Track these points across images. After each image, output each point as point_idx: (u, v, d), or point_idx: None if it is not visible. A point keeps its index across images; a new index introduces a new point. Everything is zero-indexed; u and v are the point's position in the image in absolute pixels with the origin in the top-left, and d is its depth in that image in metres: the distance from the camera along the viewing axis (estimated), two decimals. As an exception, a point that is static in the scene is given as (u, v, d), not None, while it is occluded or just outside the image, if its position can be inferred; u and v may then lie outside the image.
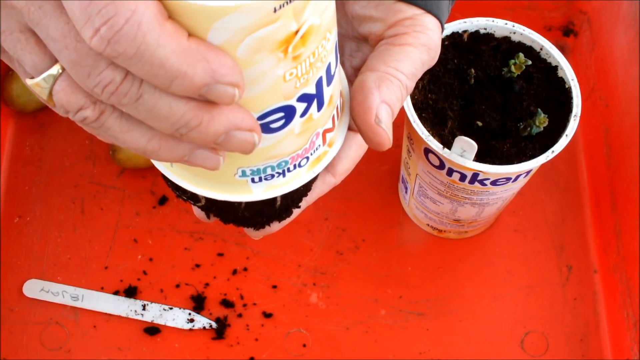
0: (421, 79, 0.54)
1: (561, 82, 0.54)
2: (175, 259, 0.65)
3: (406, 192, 0.64)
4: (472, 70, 0.54)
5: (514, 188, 0.56)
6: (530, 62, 0.54)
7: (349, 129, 0.38)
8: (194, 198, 0.36)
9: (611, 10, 0.68)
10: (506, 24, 0.55)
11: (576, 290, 0.65)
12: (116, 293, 0.64)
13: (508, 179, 0.53)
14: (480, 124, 0.53)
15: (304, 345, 0.62)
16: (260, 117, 0.29)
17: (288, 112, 0.29)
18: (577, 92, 0.53)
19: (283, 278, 0.64)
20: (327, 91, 0.31)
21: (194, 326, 0.62)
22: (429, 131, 0.52)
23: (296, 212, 0.38)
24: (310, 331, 0.63)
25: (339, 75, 0.33)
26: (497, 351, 0.62)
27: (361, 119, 0.34)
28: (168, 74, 0.25)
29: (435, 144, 0.51)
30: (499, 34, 0.56)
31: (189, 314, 0.63)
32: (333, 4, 0.29)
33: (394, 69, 0.35)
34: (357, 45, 0.38)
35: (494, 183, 0.53)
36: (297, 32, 0.27)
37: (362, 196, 0.68)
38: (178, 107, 0.26)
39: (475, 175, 0.52)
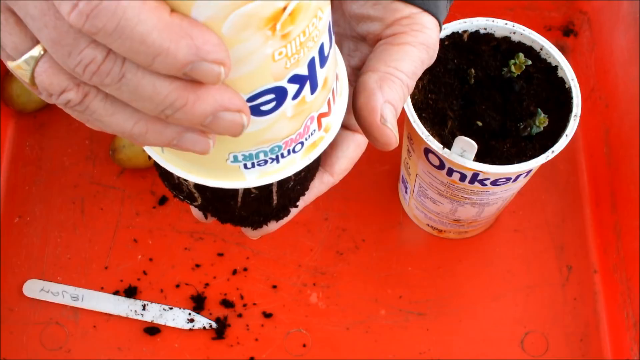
0: (421, 78, 0.54)
1: (561, 82, 0.54)
2: (175, 259, 0.65)
3: (406, 192, 0.64)
4: (472, 70, 0.54)
5: (513, 188, 0.56)
6: (530, 62, 0.54)
7: (348, 128, 0.38)
8: (190, 197, 0.35)
9: (611, 10, 0.68)
10: (506, 24, 0.55)
11: (576, 290, 0.64)
12: (116, 293, 0.64)
13: (508, 179, 0.53)
14: (480, 124, 0.53)
15: (304, 345, 0.62)
16: (250, 99, 0.28)
17: (279, 94, 0.28)
18: (577, 92, 0.53)
19: (283, 278, 0.64)
20: (320, 73, 0.30)
21: (194, 326, 0.62)
22: (429, 131, 0.52)
23: (294, 211, 0.38)
24: (310, 331, 0.63)
25: (335, 58, 0.32)
26: (497, 351, 0.62)
27: (366, 120, 0.34)
28: (150, 51, 0.24)
29: (435, 144, 0.51)
30: (499, 34, 0.56)
31: (189, 314, 0.63)
32: None
33: (395, 68, 0.35)
34: (356, 45, 0.38)
35: (494, 183, 0.53)
36: (284, 8, 0.26)
37: (362, 196, 0.68)
38: (162, 86, 0.25)
39: (475, 175, 0.52)
